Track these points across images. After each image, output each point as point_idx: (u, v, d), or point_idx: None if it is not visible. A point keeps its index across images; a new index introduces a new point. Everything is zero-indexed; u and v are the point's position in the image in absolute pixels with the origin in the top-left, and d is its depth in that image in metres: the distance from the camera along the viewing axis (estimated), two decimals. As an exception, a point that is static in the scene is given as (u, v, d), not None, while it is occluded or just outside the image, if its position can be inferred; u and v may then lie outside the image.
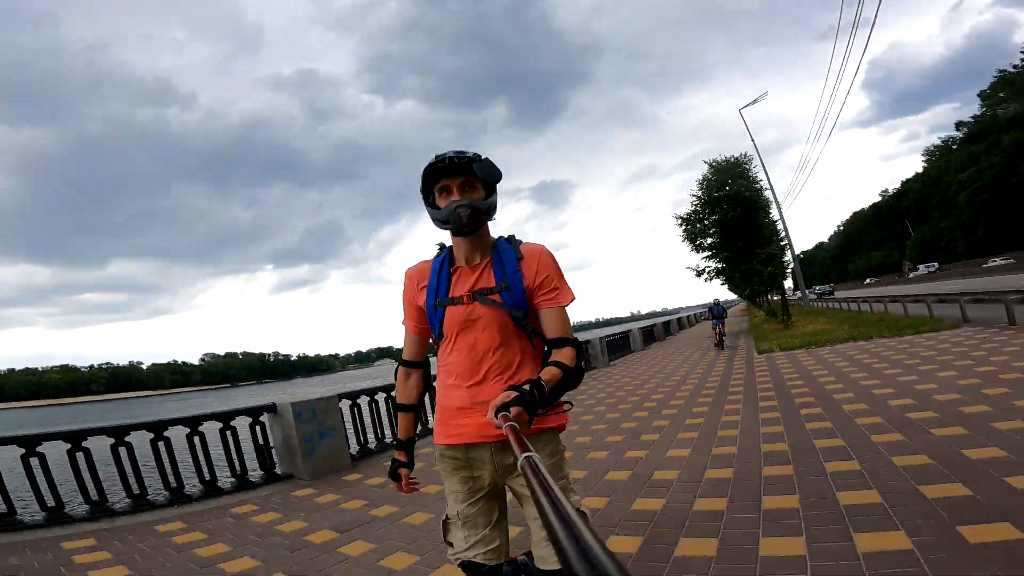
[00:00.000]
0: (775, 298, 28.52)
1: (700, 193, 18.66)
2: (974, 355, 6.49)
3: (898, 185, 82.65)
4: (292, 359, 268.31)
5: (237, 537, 3.64)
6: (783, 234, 22.54)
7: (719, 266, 19.30)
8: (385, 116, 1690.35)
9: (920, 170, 75.10)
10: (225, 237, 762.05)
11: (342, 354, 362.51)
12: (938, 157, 68.94)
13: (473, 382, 1.50)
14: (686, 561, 2.37)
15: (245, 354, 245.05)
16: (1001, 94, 53.29)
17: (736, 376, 8.23)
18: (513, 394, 1.21)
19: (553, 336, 1.48)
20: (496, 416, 1.12)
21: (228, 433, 5.17)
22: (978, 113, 57.99)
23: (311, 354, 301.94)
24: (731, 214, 18.01)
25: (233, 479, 5.11)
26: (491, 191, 1.53)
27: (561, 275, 1.55)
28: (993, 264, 42.70)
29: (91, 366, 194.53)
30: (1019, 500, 2.39)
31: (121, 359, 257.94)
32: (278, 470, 5.36)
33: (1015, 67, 51.99)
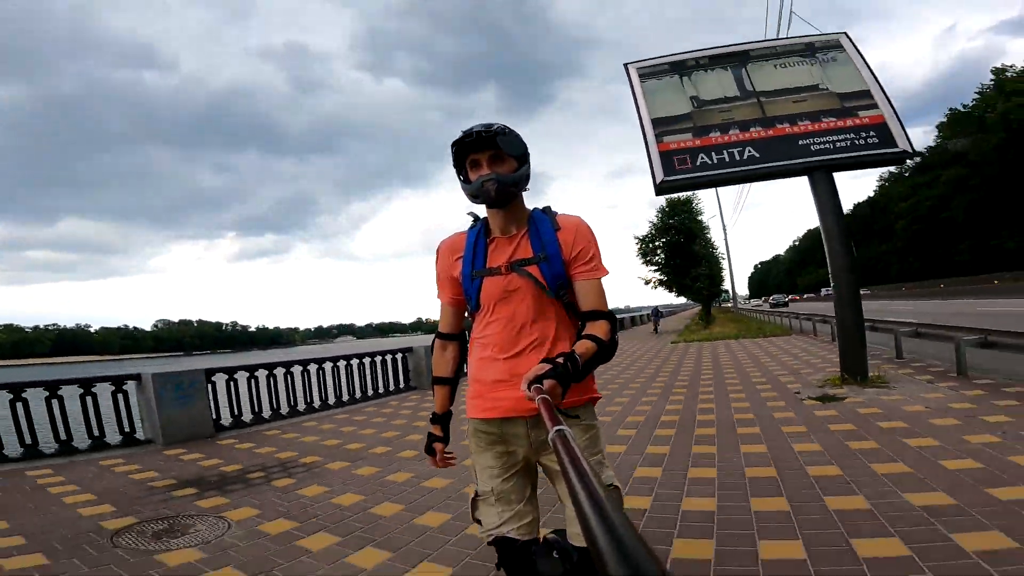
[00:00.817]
0: (724, 304, 38.16)
1: (656, 220, 25.39)
2: (793, 352, 10.52)
3: (851, 207, 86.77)
4: (251, 330, 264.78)
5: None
6: (724, 255, 32.97)
7: (663, 278, 26.21)
8: (372, 93, 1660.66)
9: (872, 194, 79.06)
10: (189, 201, 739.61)
11: (302, 328, 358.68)
12: (890, 183, 72.77)
13: (511, 354, 1.50)
14: None
15: (201, 322, 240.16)
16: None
17: (657, 355, 12.68)
18: (547, 366, 1.20)
19: (588, 308, 1.48)
20: (529, 389, 1.12)
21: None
22: (932, 144, 61.41)
23: (271, 326, 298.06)
24: (676, 239, 25.13)
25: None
26: (523, 162, 1.51)
27: (598, 247, 1.54)
28: (901, 290, 47.31)
29: (36, 327, 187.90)
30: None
31: (68, 321, 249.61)
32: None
33: (964, 106, 55.18)
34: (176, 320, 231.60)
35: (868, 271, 67.27)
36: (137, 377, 6.17)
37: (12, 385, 5.52)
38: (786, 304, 51.63)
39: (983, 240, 45.27)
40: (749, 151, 5.96)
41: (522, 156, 1.50)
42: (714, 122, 6.27)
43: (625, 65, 6.93)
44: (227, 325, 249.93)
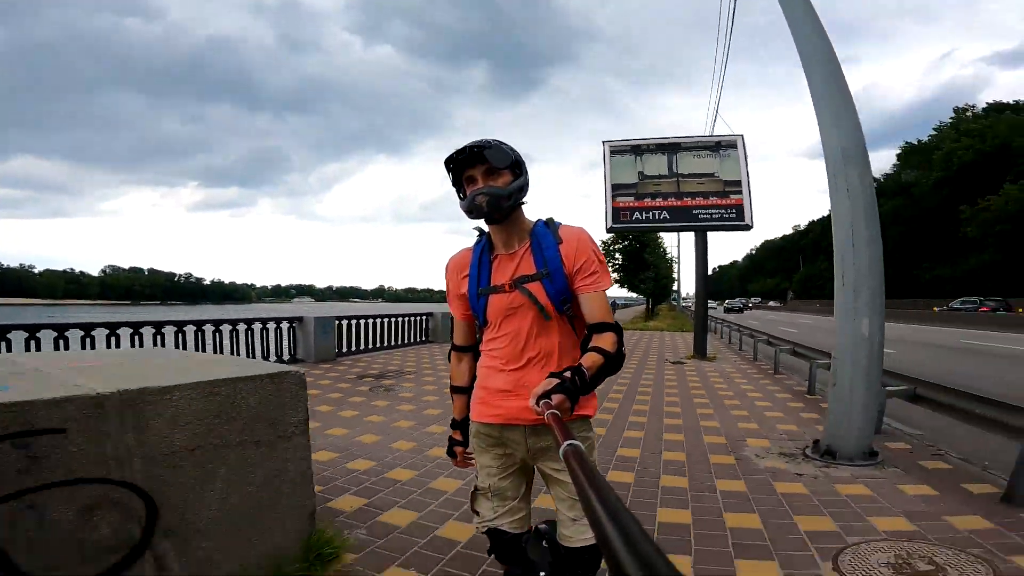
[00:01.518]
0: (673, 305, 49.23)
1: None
2: (688, 341, 13.61)
3: (806, 224, 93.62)
4: (204, 283, 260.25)
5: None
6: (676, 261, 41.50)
7: (618, 276, 31.80)
8: (361, 58, 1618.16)
9: (827, 213, 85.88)
10: (154, 148, 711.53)
11: (259, 285, 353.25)
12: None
13: (516, 367, 1.56)
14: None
15: (153, 271, 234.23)
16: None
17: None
18: (555, 381, 1.24)
19: (593, 321, 1.51)
20: (538, 404, 1.16)
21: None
22: (889, 172, 67.11)
23: (227, 281, 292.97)
24: (632, 246, 30.90)
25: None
26: (518, 174, 1.53)
27: (601, 258, 1.56)
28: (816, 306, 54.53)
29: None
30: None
31: (10, 260, 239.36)
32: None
33: (919, 140, 60.78)
34: (127, 267, 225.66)
35: (809, 286, 73.84)
36: (300, 319, 9.77)
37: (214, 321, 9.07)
38: (740, 310, 50.70)
39: (907, 269, 51.46)
40: (664, 214, 10.10)
41: (514, 168, 1.52)
42: (648, 191, 10.34)
43: (603, 142, 10.86)
44: (180, 276, 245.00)
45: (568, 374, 1.27)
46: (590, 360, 1.37)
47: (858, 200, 4.17)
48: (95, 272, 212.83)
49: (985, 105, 52.62)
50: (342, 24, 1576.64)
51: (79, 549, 1.71)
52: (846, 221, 4.17)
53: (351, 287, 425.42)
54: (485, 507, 1.66)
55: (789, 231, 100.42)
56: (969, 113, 52.91)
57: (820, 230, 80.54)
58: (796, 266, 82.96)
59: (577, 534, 1.54)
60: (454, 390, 1.79)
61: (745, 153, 10.56)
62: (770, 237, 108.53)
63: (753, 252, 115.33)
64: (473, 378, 1.74)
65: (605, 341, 1.45)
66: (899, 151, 63.42)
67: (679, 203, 10.18)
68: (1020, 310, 31.48)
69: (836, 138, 4.31)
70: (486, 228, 1.62)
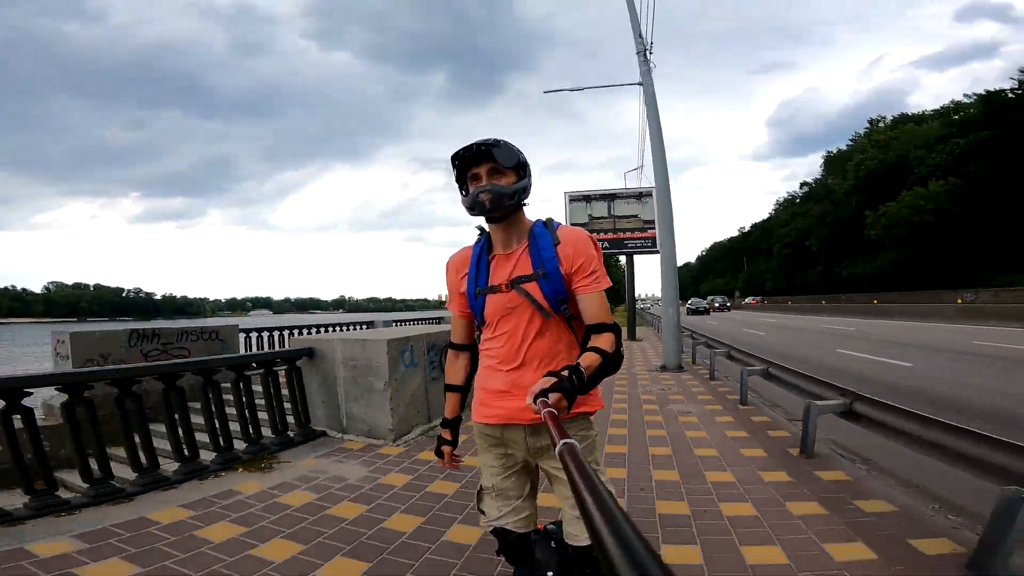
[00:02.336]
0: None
1: None
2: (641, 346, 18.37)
3: (748, 227, 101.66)
4: (155, 298, 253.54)
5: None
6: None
7: None
8: (317, 62, 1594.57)
9: (767, 216, 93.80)
10: (93, 155, 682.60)
11: (212, 299, 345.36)
12: (779, 210, 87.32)
13: (513, 367, 1.59)
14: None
15: (99, 287, 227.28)
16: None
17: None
18: (552, 380, 1.26)
19: (592, 322, 1.52)
20: (535, 402, 1.17)
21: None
22: (819, 177, 74.17)
23: (178, 295, 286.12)
24: None
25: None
26: (522, 175, 1.57)
27: (600, 259, 1.58)
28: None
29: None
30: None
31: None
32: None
33: (838, 149, 68.34)
34: (70, 283, 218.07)
35: (753, 284, 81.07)
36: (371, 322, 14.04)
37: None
38: (707, 311, 45.98)
39: (830, 267, 58.51)
40: (605, 244, 14.90)
41: (519, 168, 1.56)
42: (595, 228, 15.13)
43: (565, 193, 15.70)
44: (129, 291, 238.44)
45: (566, 373, 1.29)
46: (588, 360, 1.39)
47: (669, 268, 9.42)
48: (37, 288, 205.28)
49: (894, 117, 60.52)
50: (299, 29, 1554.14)
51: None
52: (669, 277, 9.32)
53: (310, 298, 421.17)
54: (490, 506, 1.70)
55: (735, 233, 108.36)
56: (881, 124, 60.64)
57: (760, 233, 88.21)
58: (742, 266, 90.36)
59: (582, 532, 1.54)
60: (448, 388, 1.80)
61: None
62: (719, 239, 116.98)
63: (703, 254, 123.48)
64: (468, 377, 1.80)
65: (603, 341, 1.46)
66: (823, 158, 71.52)
67: (615, 236, 15.15)
68: (875, 301, 38.30)
69: (667, 243, 9.35)
70: (487, 227, 1.67)
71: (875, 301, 38.08)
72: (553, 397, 1.21)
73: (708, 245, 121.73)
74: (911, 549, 2.66)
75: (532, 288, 1.55)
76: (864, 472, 3.94)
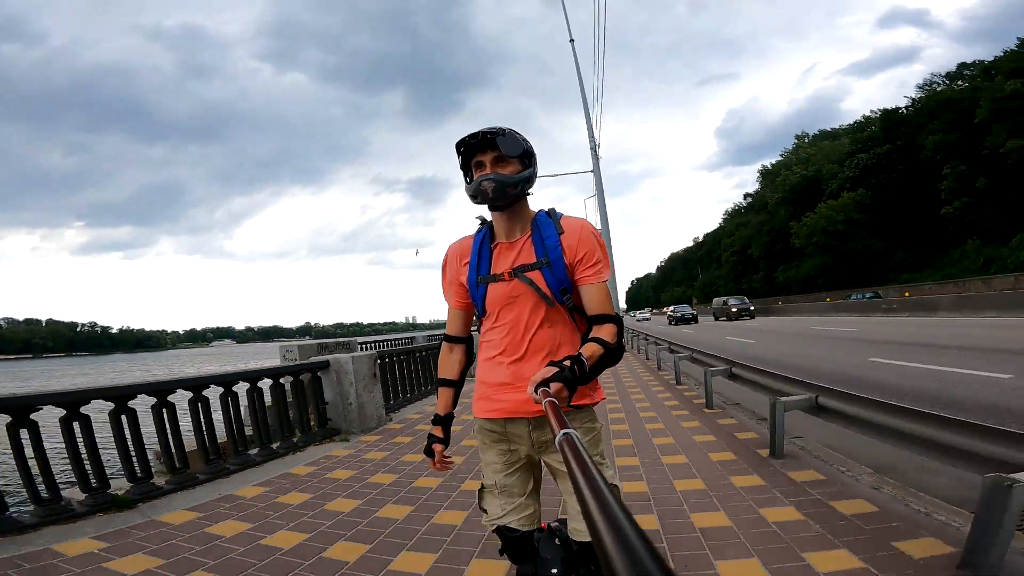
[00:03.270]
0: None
1: None
2: None
3: (702, 236, 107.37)
4: (112, 332, 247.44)
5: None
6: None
7: None
8: (270, 84, 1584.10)
9: (717, 226, 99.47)
10: (30, 183, 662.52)
11: (171, 331, 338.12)
12: (729, 218, 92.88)
13: (515, 358, 1.58)
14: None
15: (52, 322, 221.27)
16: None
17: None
18: (553, 370, 1.26)
19: (594, 312, 1.54)
20: (536, 392, 1.17)
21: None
22: (758, 189, 79.72)
23: (134, 327, 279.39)
24: None
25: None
26: (527, 165, 1.57)
27: (603, 250, 1.59)
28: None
29: None
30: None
31: None
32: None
33: (771, 164, 74.07)
34: (21, 319, 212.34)
35: (708, 291, 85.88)
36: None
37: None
38: (693, 319, 36.43)
39: (770, 272, 63.52)
40: None
41: (524, 158, 1.56)
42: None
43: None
44: (85, 325, 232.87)
45: (567, 363, 1.29)
46: (590, 350, 1.40)
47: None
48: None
49: (814, 134, 66.64)
50: (251, 51, 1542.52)
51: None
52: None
53: (273, 326, 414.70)
54: (493, 505, 1.66)
55: (690, 243, 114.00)
56: (805, 140, 66.64)
57: (712, 242, 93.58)
58: (697, 274, 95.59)
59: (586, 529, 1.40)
60: (442, 383, 1.75)
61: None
62: (675, 249, 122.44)
63: (663, 264, 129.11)
64: (463, 372, 1.76)
65: (605, 332, 1.48)
66: (759, 172, 77.14)
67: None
68: (828, 299, 42.76)
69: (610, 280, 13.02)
70: (488, 218, 1.67)
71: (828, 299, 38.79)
72: (554, 387, 1.21)
73: (667, 256, 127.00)
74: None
75: (536, 277, 1.54)
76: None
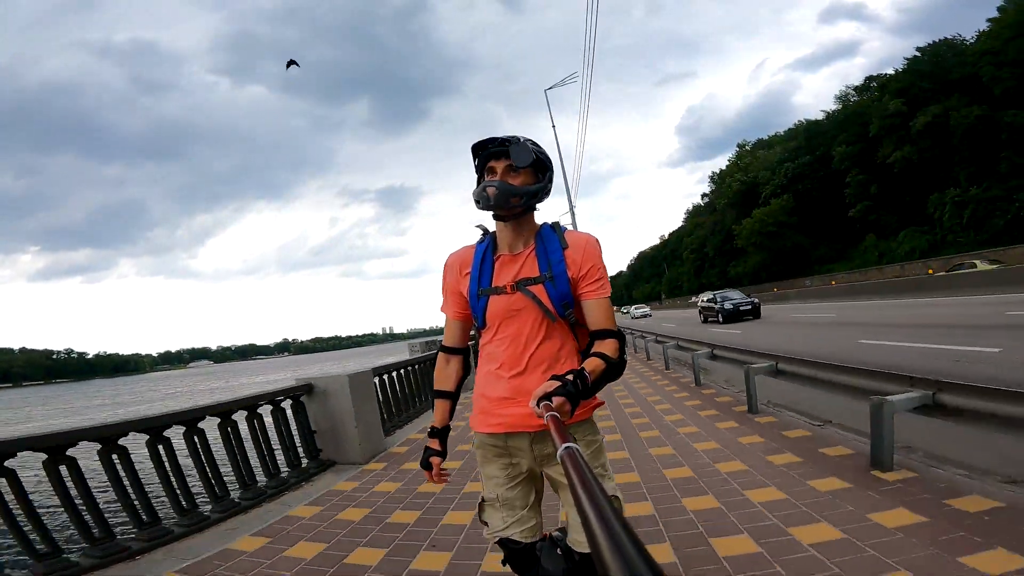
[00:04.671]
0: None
1: None
2: None
3: (667, 235, 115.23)
4: (88, 357, 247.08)
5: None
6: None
7: None
8: (229, 98, 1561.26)
9: (679, 226, 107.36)
10: None
11: (144, 353, 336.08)
12: (689, 218, 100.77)
13: (516, 372, 1.58)
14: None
15: (26, 350, 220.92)
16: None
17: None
18: (555, 384, 1.26)
19: (596, 327, 1.55)
20: (538, 406, 1.18)
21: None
22: (711, 192, 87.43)
23: (100, 352, 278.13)
24: None
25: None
26: (540, 177, 1.58)
27: (604, 266, 1.61)
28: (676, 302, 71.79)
29: None
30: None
31: None
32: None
33: (720, 170, 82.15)
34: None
35: (674, 287, 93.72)
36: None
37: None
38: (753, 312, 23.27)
39: (723, 268, 71.29)
40: None
41: (539, 171, 1.58)
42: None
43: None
44: (61, 352, 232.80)
45: (570, 377, 1.29)
46: (592, 365, 1.40)
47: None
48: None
49: (753, 143, 75.00)
50: (206, 65, 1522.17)
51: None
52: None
53: (249, 344, 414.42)
54: (495, 518, 1.66)
55: (657, 241, 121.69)
56: (746, 148, 75.01)
57: (676, 241, 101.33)
58: (664, 271, 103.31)
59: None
60: (438, 394, 1.76)
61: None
62: (644, 247, 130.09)
63: (632, 263, 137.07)
64: (459, 383, 1.77)
65: (607, 347, 1.49)
66: (710, 177, 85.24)
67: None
68: (834, 282, 50.52)
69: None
70: (490, 228, 1.67)
71: (832, 282, 41.55)
72: (556, 401, 1.21)
73: (636, 254, 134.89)
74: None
75: (539, 291, 1.54)
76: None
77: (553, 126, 22.45)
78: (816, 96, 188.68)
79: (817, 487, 3.31)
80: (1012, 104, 35.09)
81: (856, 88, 54.91)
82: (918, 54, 45.32)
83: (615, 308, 8.32)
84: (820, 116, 58.28)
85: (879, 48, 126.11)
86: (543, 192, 1.60)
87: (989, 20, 39.63)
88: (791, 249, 54.41)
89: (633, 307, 56.74)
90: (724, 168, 79.08)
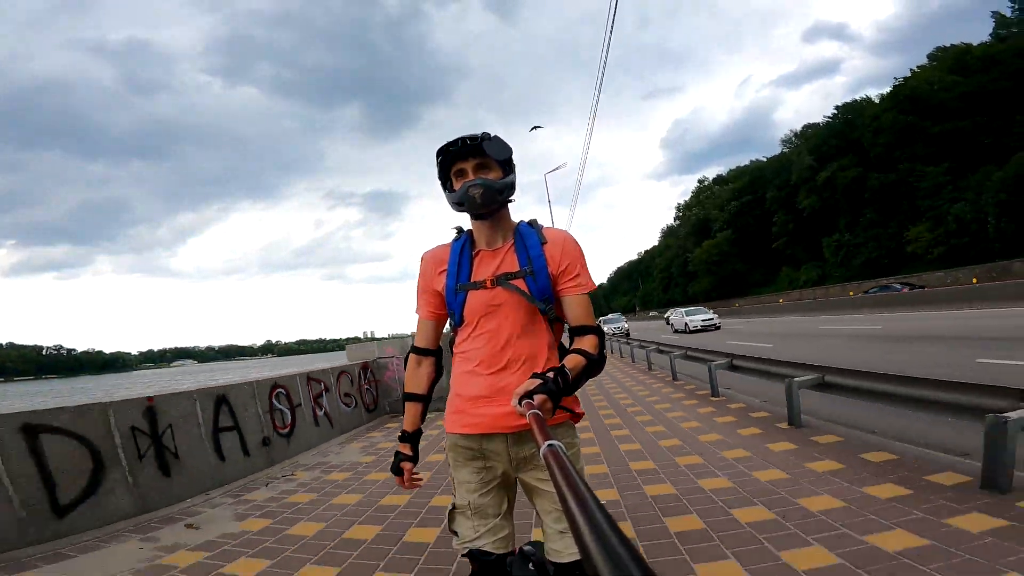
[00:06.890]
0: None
1: None
2: None
3: (642, 253, 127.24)
4: (76, 353, 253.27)
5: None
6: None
7: None
8: (220, 99, 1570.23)
9: (653, 246, 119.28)
10: None
11: (125, 351, 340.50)
12: (663, 238, 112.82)
13: (494, 370, 1.57)
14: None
15: (13, 345, 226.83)
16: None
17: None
18: (537, 381, 1.28)
19: (576, 324, 1.58)
20: (520, 404, 1.19)
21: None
22: (678, 219, 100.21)
23: (95, 350, 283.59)
24: None
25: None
26: (508, 170, 1.60)
27: (585, 262, 1.62)
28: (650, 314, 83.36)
29: None
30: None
31: None
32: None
33: (687, 201, 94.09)
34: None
35: (647, 300, 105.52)
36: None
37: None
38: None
39: (684, 287, 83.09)
40: None
41: (508, 163, 1.59)
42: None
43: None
44: (50, 348, 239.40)
45: (551, 374, 1.31)
46: (573, 361, 1.43)
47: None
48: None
49: (712, 178, 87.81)
50: (199, 66, 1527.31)
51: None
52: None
53: (232, 345, 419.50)
54: (465, 526, 1.61)
55: (635, 256, 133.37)
56: (704, 183, 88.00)
57: (650, 259, 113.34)
58: (639, 285, 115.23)
59: (567, 548, 1.52)
60: (408, 397, 1.73)
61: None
62: (626, 259, 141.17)
63: (612, 275, 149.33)
64: (431, 385, 1.75)
65: (587, 344, 1.51)
66: (675, 208, 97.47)
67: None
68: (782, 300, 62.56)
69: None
70: (465, 228, 1.70)
71: (781, 300, 49.28)
72: (538, 398, 1.21)
73: (615, 269, 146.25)
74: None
75: (519, 285, 1.56)
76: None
77: (549, 201, 32.81)
78: (797, 112, 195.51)
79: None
80: (880, 168, 46.36)
81: (796, 135, 65.96)
82: (836, 112, 56.31)
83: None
84: (777, 151, 68.38)
85: (860, 66, 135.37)
86: (515, 184, 1.64)
87: (886, 90, 49.60)
88: (731, 274, 67.08)
89: (603, 318, 40.65)
90: (688, 200, 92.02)
